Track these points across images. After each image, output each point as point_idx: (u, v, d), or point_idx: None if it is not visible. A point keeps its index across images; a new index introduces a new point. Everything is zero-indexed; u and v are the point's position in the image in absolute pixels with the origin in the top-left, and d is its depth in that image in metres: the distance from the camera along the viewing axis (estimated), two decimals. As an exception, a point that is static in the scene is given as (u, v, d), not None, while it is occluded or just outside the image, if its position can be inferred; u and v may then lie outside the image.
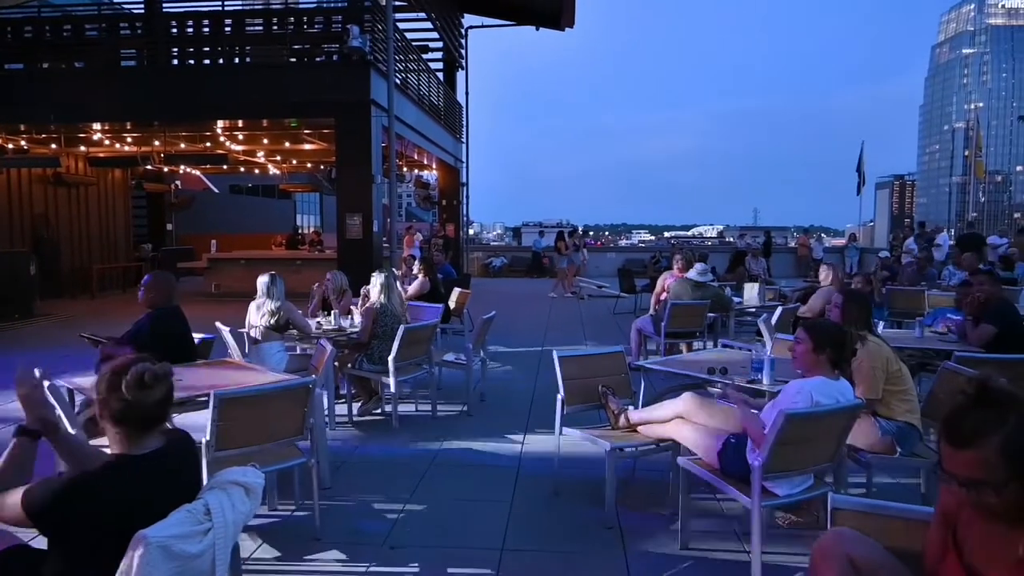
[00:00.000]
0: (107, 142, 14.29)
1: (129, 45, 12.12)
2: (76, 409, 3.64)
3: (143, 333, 4.07)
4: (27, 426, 1.91)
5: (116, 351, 4.12)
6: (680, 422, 3.53)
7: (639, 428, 3.74)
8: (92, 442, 2.55)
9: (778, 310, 6.76)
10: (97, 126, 12.87)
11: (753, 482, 2.88)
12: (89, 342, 4.26)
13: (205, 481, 2.07)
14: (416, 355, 5.52)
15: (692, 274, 7.40)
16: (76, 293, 14.89)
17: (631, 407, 3.99)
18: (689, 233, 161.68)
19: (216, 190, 23.84)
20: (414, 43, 15.18)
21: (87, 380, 3.75)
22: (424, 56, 15.94)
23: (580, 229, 24.76)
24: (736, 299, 8.40)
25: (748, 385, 3.78)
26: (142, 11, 12.93)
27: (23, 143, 13.98)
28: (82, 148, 14.90)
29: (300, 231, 26.35)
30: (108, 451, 1.95)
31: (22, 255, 12.63)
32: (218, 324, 5.27)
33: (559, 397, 4.00)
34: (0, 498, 1.77)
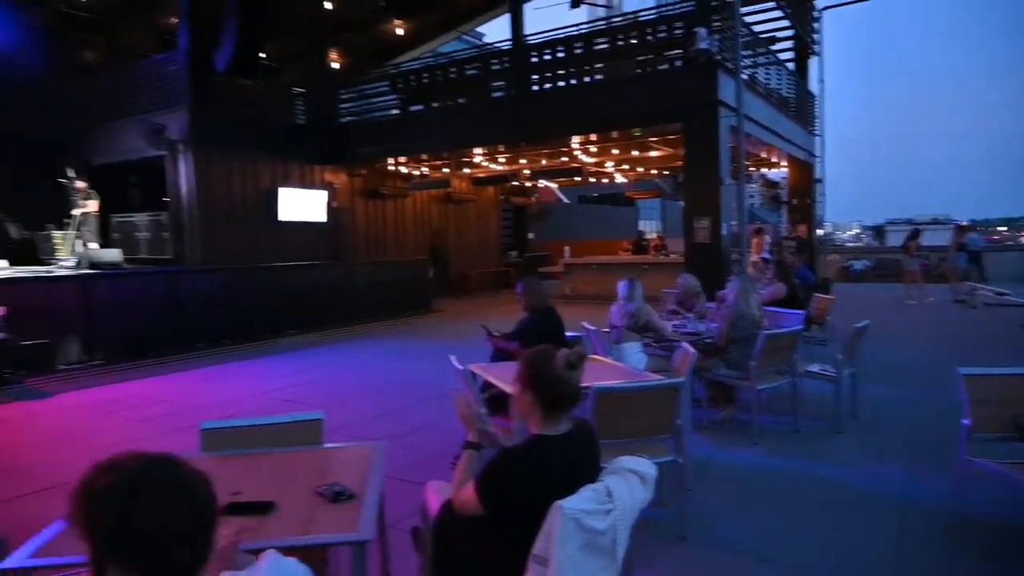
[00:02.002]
0: (484, 163, 16.62)
1: (499, 78, 13.91)
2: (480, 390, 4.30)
3: (527, 330, 4.63)
4: (472, 440, 2.34)
5: (506, 345, 4.79)
6: None
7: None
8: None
9: None
10: (478, 151, 15.05)
11: None
12: (485, 333, 5.03)
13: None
14: (777, 363, 5.25)
15: None
16: (459, 294, 17.64)
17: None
18: None
19: (567, 201, 25.95)
20: (761, 36, 14.48)
21: (481, 366, 4.42)
22: (772, 47, 15.10)
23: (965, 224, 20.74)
24: None
25: None
26: (509, 46, 14.74)
27: (424, 170, 17.07)
28: (466, 170, 17.59)
29: (644, 236, 27.12)
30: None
31: (423, 262, 15.46)
32: (584, 324, 5.72)
33: (964, 422, 3.41)
34: (460, 494, 2.18)
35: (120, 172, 13.78)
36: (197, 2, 12.13)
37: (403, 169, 16.66)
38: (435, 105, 14.50)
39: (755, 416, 5.13)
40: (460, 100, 14.33)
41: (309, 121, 15.36)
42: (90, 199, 11.56)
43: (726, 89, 10.66)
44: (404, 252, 16.96)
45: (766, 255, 12.31)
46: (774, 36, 16.06)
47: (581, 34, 13.11)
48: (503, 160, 16.34)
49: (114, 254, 11.04)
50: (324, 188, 14.83)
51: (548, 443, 2.08)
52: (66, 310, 8.70)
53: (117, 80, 13.77)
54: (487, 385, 4.26)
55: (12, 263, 12.47)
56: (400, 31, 17.92)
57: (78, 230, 11.53)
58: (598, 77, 12.58)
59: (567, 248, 19.26)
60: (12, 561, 1.90)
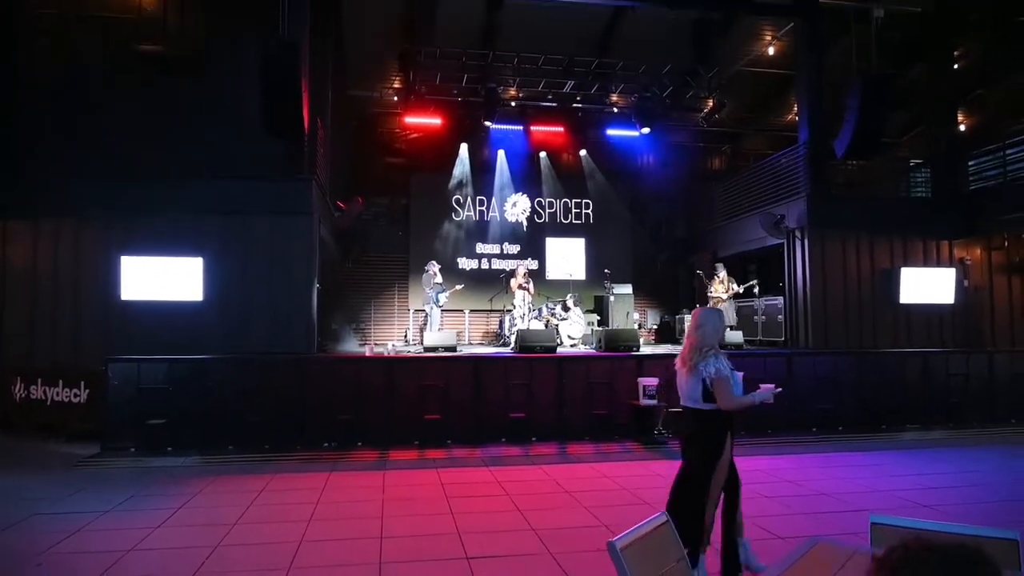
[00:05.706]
0: None
1: None
2: None
3: None
4: None
5: None
6: None
7: None
8: None
9: None
10: None
11: None
12: None
13: None
14: None
15: None
16: None
17: None
18: None
19: None
20: None
21: None
22: None
23: None
24: None
25: None
26: None
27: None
28: None
29: None
30: None
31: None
32: None
33: None
34: None
35: (740, 261, 15.22)
36: (816, 96, 12.67)
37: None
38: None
39: None
40: None
41: (933, 193, 14.01)
42: (723, 286, 13.15)
43: None
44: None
45: None
46: None
47: None
48: None
49: (737, 336, 12.09)
50: (952, 266, 13.10)
51: None
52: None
53: (738, 180, 15.44)
54: None
55: (656, 342, 15.17)
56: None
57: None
58: None
59: None
60: None
